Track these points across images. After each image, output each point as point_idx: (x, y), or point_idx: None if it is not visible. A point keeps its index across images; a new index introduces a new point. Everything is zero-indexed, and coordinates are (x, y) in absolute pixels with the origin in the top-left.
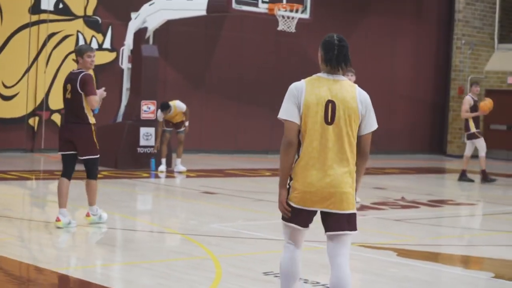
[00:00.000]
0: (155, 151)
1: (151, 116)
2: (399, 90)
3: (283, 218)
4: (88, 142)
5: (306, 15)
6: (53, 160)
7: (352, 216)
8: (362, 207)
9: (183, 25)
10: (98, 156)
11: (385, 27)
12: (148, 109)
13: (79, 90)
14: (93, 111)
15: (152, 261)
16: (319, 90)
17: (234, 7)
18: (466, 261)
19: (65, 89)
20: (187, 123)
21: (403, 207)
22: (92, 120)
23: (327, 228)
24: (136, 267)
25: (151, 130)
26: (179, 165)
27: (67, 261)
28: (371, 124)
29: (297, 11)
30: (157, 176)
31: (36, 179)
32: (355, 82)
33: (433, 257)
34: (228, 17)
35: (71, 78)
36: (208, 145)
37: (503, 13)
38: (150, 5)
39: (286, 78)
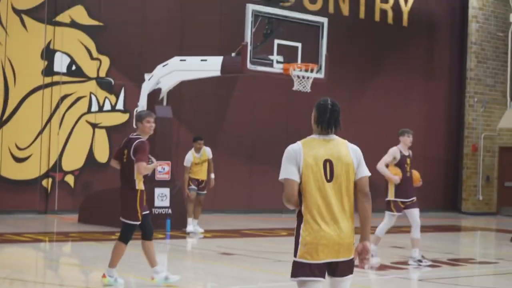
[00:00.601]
0: (187, 197)
1: (166, 177)
2: (412, 148)
3: (296, 275)
4: (129, 206)
5: (321, 75)
6: (67, 222)
7: (352, 261)
8: (382, 267)
9: (195, 86)
10: (136, 223)
11: (397, 85)
12: (162, 169)
13: (132, 156)
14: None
15: None
16: (316, 151)
17: (249, 67)
18: None
19: (122, 153)
20: (212, 175)
21: (425, 266)
22: (139, 186)
23: (332, 274)
24: None
25: (166, 190)
26: (196, 226)
27: None
28: (364, 171)
29: (312, 70)
30: (173, 237)
31: (49, 241)
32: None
33: None
34: (240, 76)
35: (128, 143)
36: (221, 205)
37: None
38: (163, 66)
39: (298, 136)
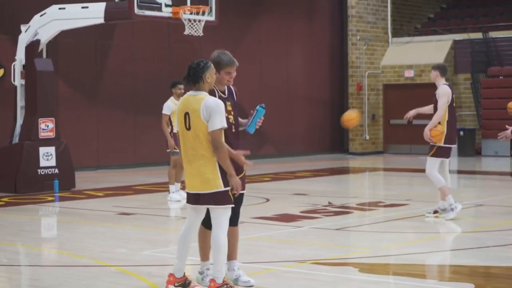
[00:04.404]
0: (171, 150)
1: (51, 135)
2: (296, 91)
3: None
4: None
5: (212, 17)
6: None
7: (217, 194)
8: (293, 217)
9: (72, 36)
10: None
11: (278, 28)
12: (46, 127)
13: None
14: None
15: None
16: (181, 106)
17: (137, 12)
18: (438, 272)
19: None
20: None
21: (336, 213)
22: None
23: (198, 202)
24: None
25: (51, 149)
26: (180, 191)
27: None
28: (213, 124)
29: (203, 13)
30: (62, 199)
31: None
32: None
33: (399, 270)
34: (118, 25)
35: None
36: (106, 160)
37: (394, 7)
38: (41, 16)
39: None
